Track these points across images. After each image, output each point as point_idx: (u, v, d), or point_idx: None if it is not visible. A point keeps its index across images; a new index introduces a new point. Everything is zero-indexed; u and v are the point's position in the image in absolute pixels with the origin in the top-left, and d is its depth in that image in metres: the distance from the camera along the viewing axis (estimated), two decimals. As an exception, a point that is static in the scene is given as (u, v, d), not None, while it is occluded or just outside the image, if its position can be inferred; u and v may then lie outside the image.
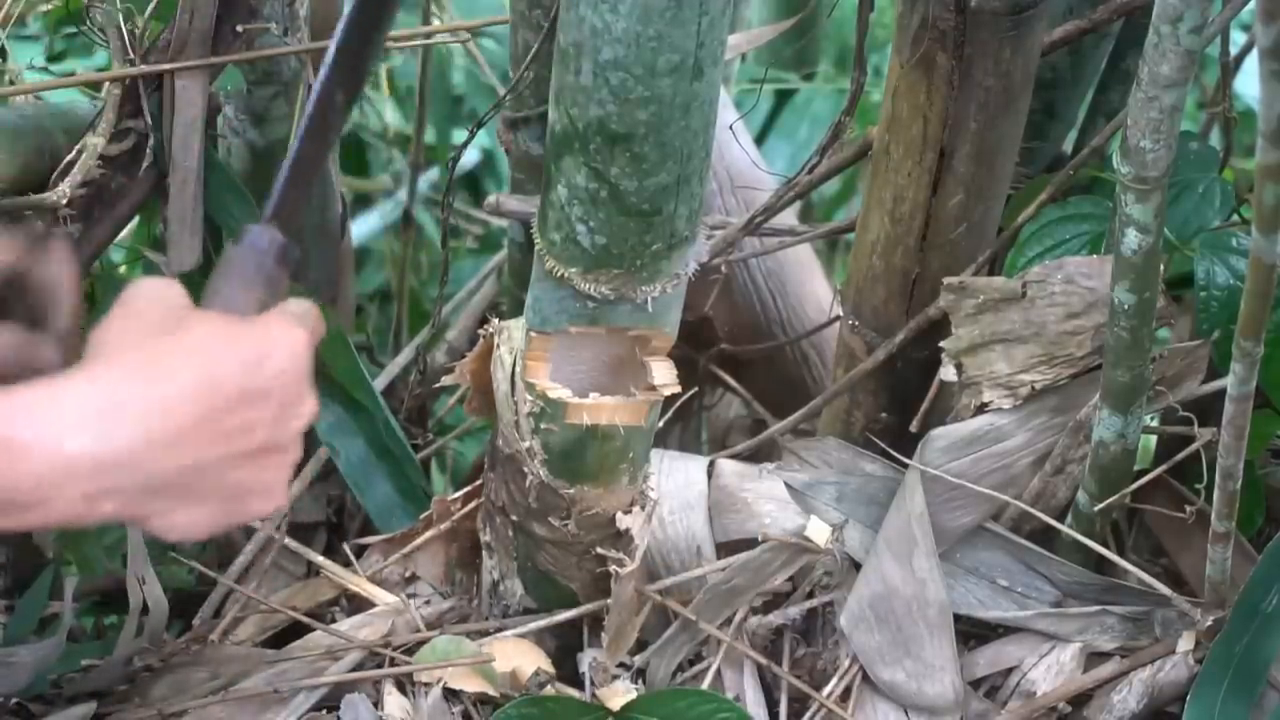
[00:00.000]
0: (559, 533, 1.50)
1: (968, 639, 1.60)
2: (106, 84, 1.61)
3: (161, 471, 0.87)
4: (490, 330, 1.46)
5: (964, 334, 1.54)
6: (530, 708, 1.47)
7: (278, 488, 0.93)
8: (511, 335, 1.43)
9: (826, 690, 1.56)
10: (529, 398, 1.40)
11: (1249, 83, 2.10)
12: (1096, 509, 1.52)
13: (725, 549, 1.61)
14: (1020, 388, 1.53)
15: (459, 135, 3.18)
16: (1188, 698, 1.45)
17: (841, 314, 1.69)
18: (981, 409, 1.55)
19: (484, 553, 1.64)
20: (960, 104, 1.46)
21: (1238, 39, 2.11)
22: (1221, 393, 1.32)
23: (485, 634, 1.62)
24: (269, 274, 1.01)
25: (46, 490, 0.83)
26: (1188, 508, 1.53)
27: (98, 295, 1.74)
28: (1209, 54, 1.68)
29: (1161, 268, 1.37)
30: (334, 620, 1.67)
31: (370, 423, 1.80)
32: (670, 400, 1.43)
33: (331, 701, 1.54)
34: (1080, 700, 1.55)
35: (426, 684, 1.54)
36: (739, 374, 2.06)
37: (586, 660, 1.59)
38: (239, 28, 1.62)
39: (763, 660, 1.57)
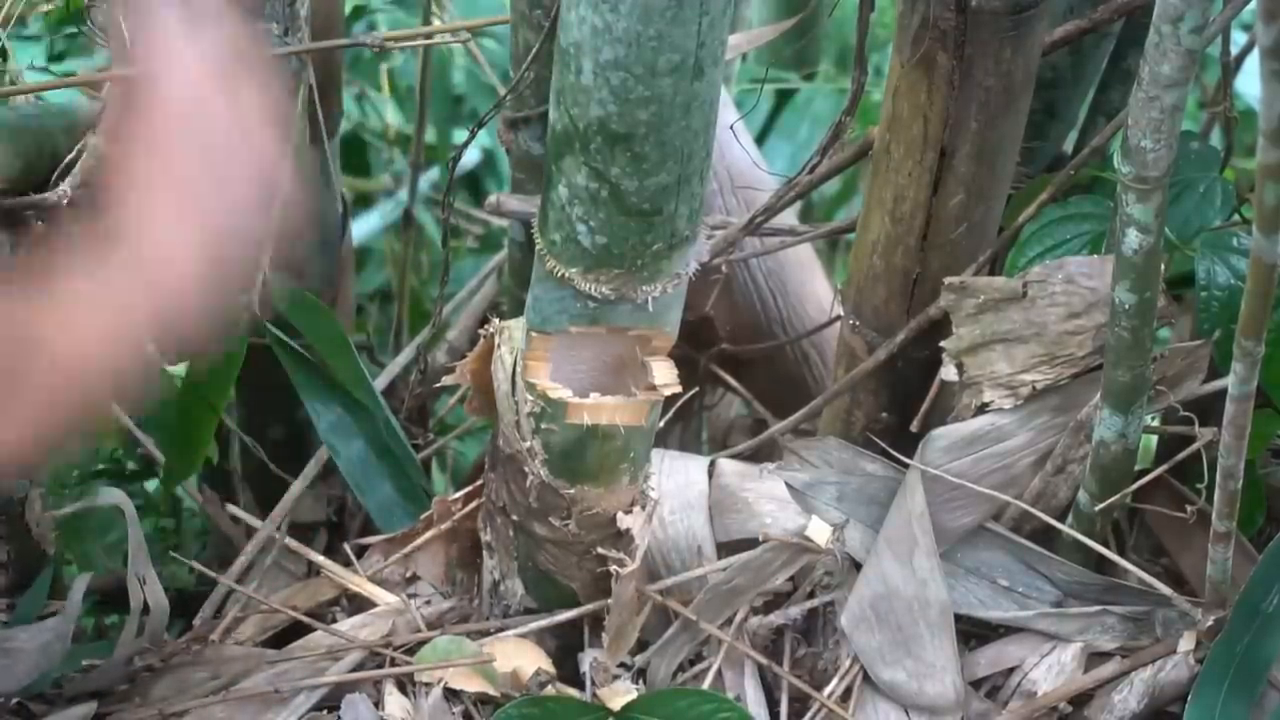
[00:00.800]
0: (559, 533, 1.50)
1: (968, 639, 1.60)
2: (106, 84, 1.61)
3: None
4: (490, 330, 1.46)
5: (965, 334, 1.54)
6: (531, 708, 1.46)
7: None
8: (512, 335, 1.43)
9: (827, 690, 1.56)
10: (529, 398, 1.40)
11: (1250, 82, 2.10)
12: (1097, 509, 1.52)
13: (726, 549, 1.61)
14: (1021, 387, 1.53)
15: (459, 135, 3.18)
16: (1188, 698, 1.45)
17: (842, 313, 1.69)
18: (982, 409, 1.55)
19: (484, 553, 1.64)
20: (961, 104, 1.46)
21: (1238, 39, 2.11)
22: (1222, 392, 1.32)
23: (486, 634, 1.62)
24: None
25: None
26: (1188, 508, 1.53)
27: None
28: (1210, 54, 1.68)
29: (1162, 267, 1.37)
30: (334, 620, 1.67)
31: (371, 423, 1.80)
32: (670, 400, 1.43)
33: (332, 702, 1.54)
34: (1081, 700, 1.55)
35: (427, 684, 1.54)
36: (739, 374, 2.06)
37: (587, 660, 1.59)
38: (239, 28, 1.62)
39: (763, 660, 1.57)
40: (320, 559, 1.73)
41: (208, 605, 1.72)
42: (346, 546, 1.74)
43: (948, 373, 1.57)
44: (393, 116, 3.16)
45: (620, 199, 1.23)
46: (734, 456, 1.72)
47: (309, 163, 1.85)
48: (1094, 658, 1.56)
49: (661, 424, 1.50)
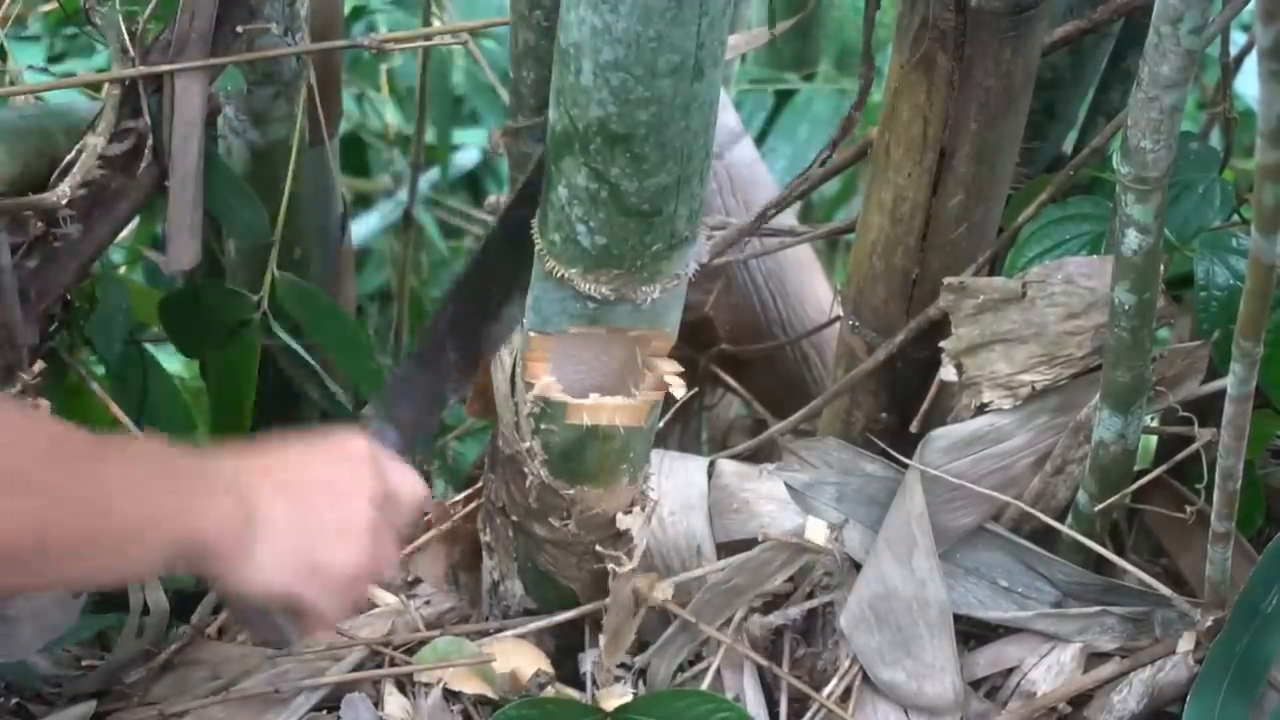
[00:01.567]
0: (559, 533, 1.50)
1: (968, 639, 1.60)
2: (106, 84, 1.61)
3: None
4: (490, 330, 1.46)
5: (964, 334, 1.54)
6: (530, 709, 1.46)
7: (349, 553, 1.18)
8: (511, 336, 1.43)
9: (826, 691, 1.56)
10: (529, 398, 1.40)
11: (1249, 83, 2.10)
12: (1096, 509, 1.52)
13: (725, 549, 1.61)
14: (1020, 388, 1.53)
15: (459, 135, 3.18)
16: (1188, 698, 1.45)
17: (842, 314, 1.69)
18: (981, 409, 1.55)
19: (484, 553, 1.64)
20: (960, 104, 1.46)
21: (1238, 39, 2.11)
22: (1221, 393, 1.32)
23: (485, 634, 1.62)
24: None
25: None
26: (1188, 508, 1.53)
27: (98, 295, 1.74)
28: (1209, 54, 1.68)
29: (1161, 268, 1.37)
30: (334, 620, 1.67)
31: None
32: (670, 401, 1.43)
33: (332, 702, 1.54)
34: (1080, 701, 1.54)
35: (426, 684, 1.54)
36: (739, 374, 2.06)
37: (587, 661, 1.59)
38: (239, 28, 1.62)
39: (763, 661, 1.57)
40: (320, 559, 1.72)
41: (206, 602, 1.71)
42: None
43: (947, 373, 1.57)
44: (392, 117, 3.16)
45: (620, 199, 1.23)
46: (734, 457, 1.72)
47: (309, 163, 1.85)
48: (1093, 658, 1.56)
49: (661, 424, 1.50)
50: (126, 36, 1.58)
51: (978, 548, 1.59)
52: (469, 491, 1.71)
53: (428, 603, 1.68)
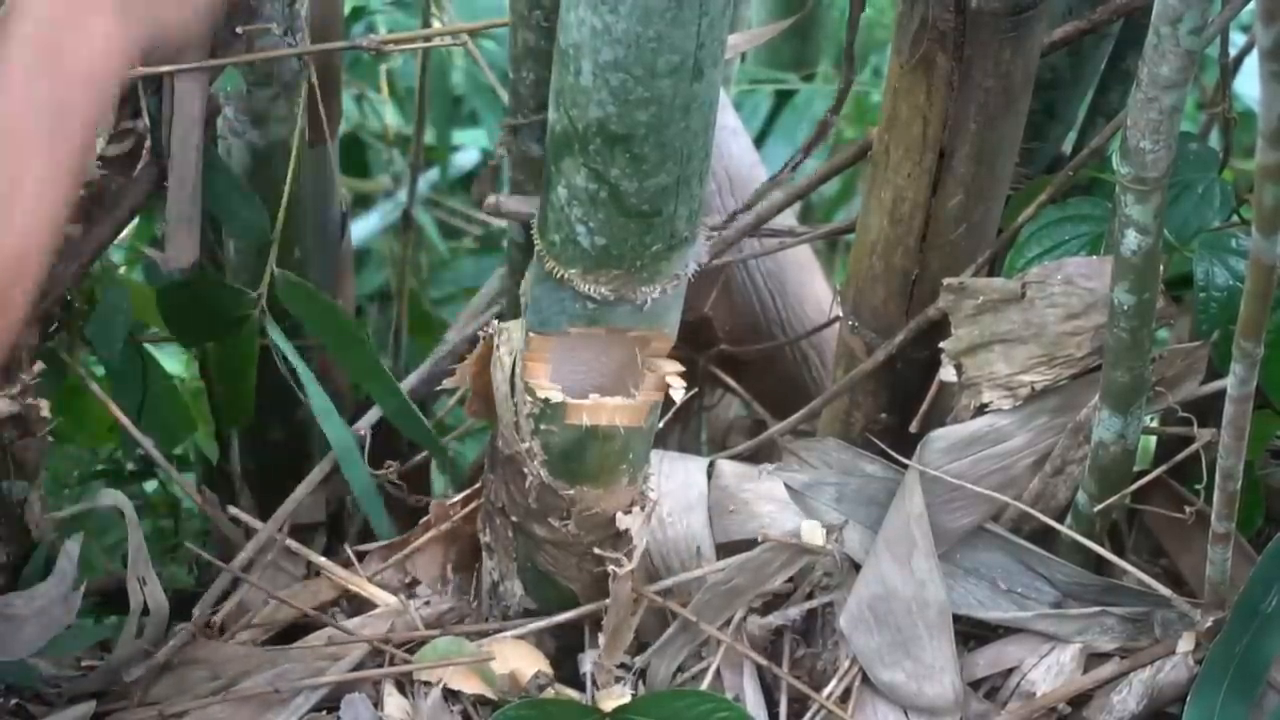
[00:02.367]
0: (559, 533, 1.50)
1: (967, 640, 1.60)
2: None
3: None
4: (489, 331, 1.46)
5: (963, 335, 1.54)
6: (529, 710, 1.46)
7: None
8: (511, 336, 1.43)
9: (826, 691, 1.56)
10: (528, 399, 1.40)
11: (1249, 83, 2.10)
12: (1096, 510, 1.52)
13: (725, 550, 1.61)
14: (1020, 388, 1.53)
15: (459, 136, 3.18)
16: (1188, 698, 1.45)
17: (841, 314, 1.69)
18: (981, 410, 1.55)
19: (484, 554, 1.64)
20: (960, 105, 1.46)
21: (1237, 40, 2.11)
22: (1221, 393, 1.32)
23: (485, 635, 1.62)
24: None
25: None
26: (1187, 508, 1.53)
27: (97, 295, 1.74)
28: (1209, 55, 1.68)
29: (1161, 268, 1.37)
30: (335, 621, 1.67)
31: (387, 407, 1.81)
32: (670, 401, 1.43)
33: (332, 702, 1.54)
34: (1080, 701, 1.55)
35: (426, 684, 1.54)
36: (738, 374, 2.06)
37: (587, 661, 1.59)
38: (239, 29, 1.62)
39: (762, 661, 1.57)
40: (320, 560, 1.73)
41: (207, 597, 1.71)
42: (347, 548, 1.74)
43: (947, 374, 1.57)
44: (392, 118, 3.16)
45: (619, 200, 1.23)
46: (733, 457, 1.72)
47: (309, 163, 1.85)
48: (1093, 658, 1.56)
49: (661, 425, 1.50)
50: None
51: (977, 548, 1.59)
52: (468, 491, 1.71)
53: (427, 603, 1.68)
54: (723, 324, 2.02)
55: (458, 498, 1.72)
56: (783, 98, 2.75)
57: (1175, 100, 1.22)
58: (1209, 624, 1.48)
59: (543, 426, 1.41)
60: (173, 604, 1.62)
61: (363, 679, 1.56)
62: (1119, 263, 1.34)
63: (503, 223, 1.94)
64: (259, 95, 1.77)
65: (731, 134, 2.09)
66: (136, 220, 1.81)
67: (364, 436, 1.81)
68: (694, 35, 1.14)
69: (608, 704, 1.51)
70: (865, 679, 1.56)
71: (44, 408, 1.58)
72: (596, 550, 1.51)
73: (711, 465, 1.66)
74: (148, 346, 1.89)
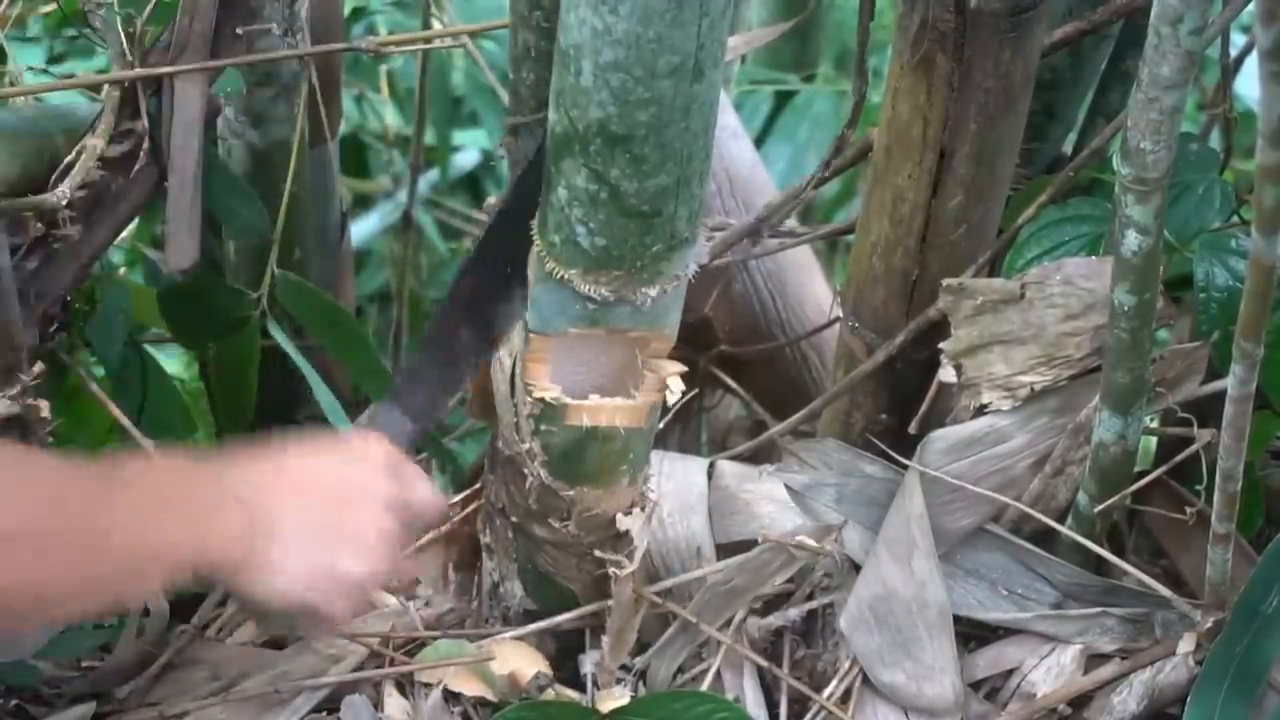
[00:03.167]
0: (559, 534, 1.50)
1: (967, 640, 1.60)
2: (106, 86, 1.61)
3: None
4: (489, 331, 1.46)
5: (963, 335, 1.54)
6: (529, 711, 1.46)
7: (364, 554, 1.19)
8: (510, 337, 1.43)
9: (826, 692, 1.56)
10: (528, 399, 1.40)
11: (1249, 84, 2.10)
12: (1096, 510, 1.52)
13: (725, 550, 1.61)
14: (1020, 389, 1.53)
15: (459, 136, 3.18)
16: (1188, 699, 1.45)
17: (841, 315, 1.69)
18: (981, 410, 1.55)
19: (484, 555, 1.64)
20: (960, 105, 1.46)
21: (1237, 40, 2.11)
22: (1221, 394, 1.32)
23: (485, 636, 1.62)
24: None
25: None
26: (1188, 509, 1.53)
27: (97, 296, 1.74)
28: (1209, 55, 1.68)
29: (1161, 269, 1.37)
30: (334, 621, 1.67)
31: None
32: (669, 401, 1.43)
33: (332, 703, 1.54)
34: (1080, 702, 1.54)
35: (427, 685, 1.54)
36: (739, 375, 2.06)
37: (588, 662, 1.59)
38: (239, 29, 1.62)
39: (763, 662, 1.57)
40: (320, 560, 1.72)
41: (208, 602, 1.71)
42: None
43: (946, 374, 1.57)
44: (392, 118, 3.16)
45: (620, 200, 1.23)
46: (733, 458, 1.72)
47: (309, 164, 1.85)
48: (1093, 659, 1.56)
49: (661, 425, 1.50)
50: (125, 38, 1.58)
51: (977, 549, 1.59)
52: (468, 492, 1.71)
53: (427, 604, 1.68)
54: (723, 324, 2.02)
55: (458, 498, 1.72)
56: (783, 99, 2.75)
57: (1176, 101, 1.22)
58: (1209, 625, 1.48)
59: (543, 427, 1.41)
60: (173, 604, 1.62)
61: (363, 680, 1.56)
62: (1119, 263, 1.34)
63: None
64: (259, 96, 1.77)
65: (731, 135, 2.09)
66: (136, 221, 1.81)
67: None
68: (694, 36, 1.14)
69: (606, 705, 1.51)
70: (865, 680, 1.56)
71: (44, 409, 1.57)
72: (597, 551, 1.51)
73: (712, 466, 1.66)
74: (148, 347, 1.88)
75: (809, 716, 1.56)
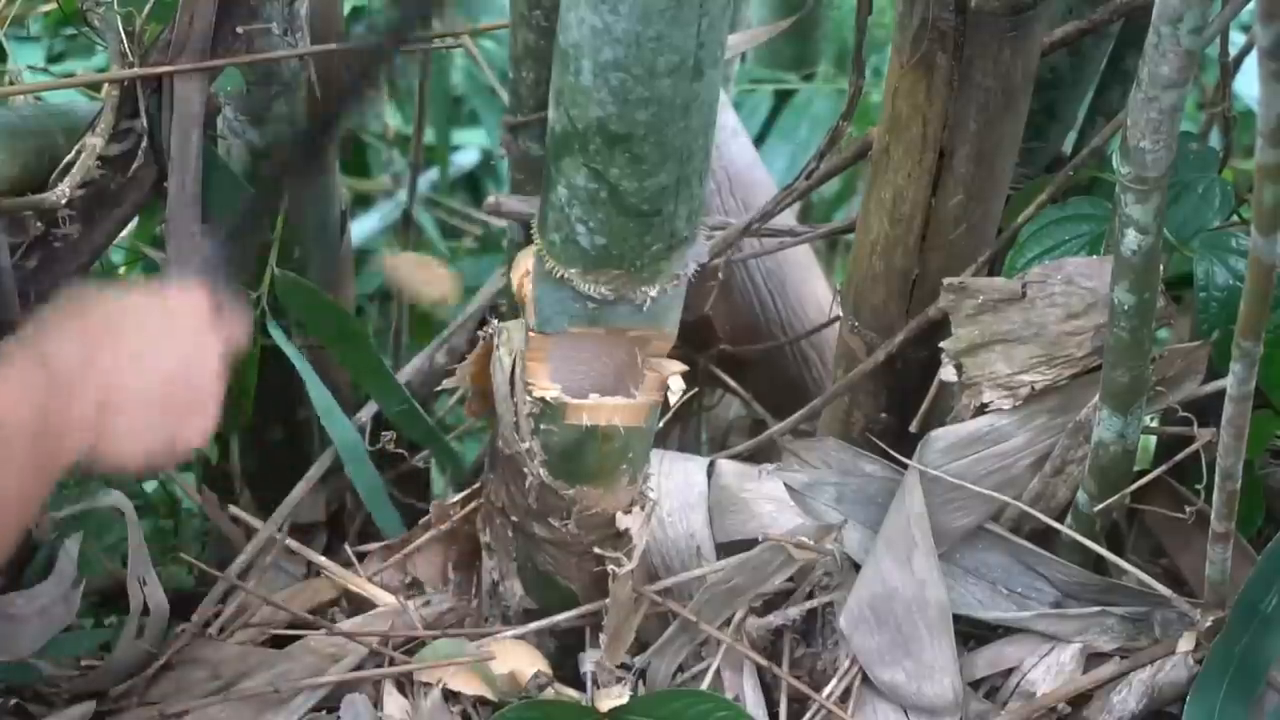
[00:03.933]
0: (559, 533, 1.50)
1: (967, 639, 1.60)
2: (106, 85, 1.61)
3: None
4: (489, 331, 1.46)
5: (964, 334, 1.54)
6: (529, 711, 1.46)
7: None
8: (511, 336, 1.43)
9: (826, 691, 1.56)
10: (529, 399, 1.40)
11: (1248, 83, 2.10)
12: (1096, 509, 1.52)
13: (725, 549, 1.61)
14: (1020, 388, 1.53)
15: (458, 136, 3.18)
16: (1187, 698, 1.45)
17: (841, 314, 1.69)
18: (981, 410, 1.55)
19: (484, 554, 1.64)
20: (960, 104, 1.46)
21: (1237, 40, 2.11)
22: (1221, 393, 1.32)
23: (485, 635, 1.62)
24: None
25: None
26: (1187, 508, 1.53)
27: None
28: (1208, 54, 1.68)
29: (1161, 268, 1.37)
30: (334, 621, 1.67)
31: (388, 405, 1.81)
32: (669, 400, 1.43)
33: (332, 702, 1.54)
34: (1080, 701, 1.54)
35: (426, 684, 1.54)
36: (738, 374, 2.06)
37: (588, 661, 1.59)
38: (239, 28, 1.62)
39: (762, 661, 1.57)
40: (320, 560, 1.73)
41: (207, 601, 1.71)
42: (347, 548, 1.74)
43: (947, 373, 1.57)
44: (392, 118, 3.16)
45: (619, 199, 1.23)
46: (733, 457, 1.72)
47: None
48: (1093, 658, 1.56)
49: (661, 425, 1.50)
50: (125, 38, 1.58)
51: (977, 548, 1.59)
52: (468, 491, 1.71)
53: (427, 603, 1.68)
54: (723, 324, 2.02)
55: (458, 498, 1.72)
56: (782, 98, 2.75)
57: (1175, 100, 1.22)
58: (1209, 624, 1.48)
59: (543, 426, 1.41)
60: (173, 604, 1.62)
61: (363, 679, 1.56)
62: (1119, 262, 1.34)
63: (503, 223, 1.94)
64: (258, 95, 1.77)
65: (731, 134, 2.09)
66: (136, 220, 1.81)
67: (365, 421, 1.82)
68: (694, 35, 1.14)
69: (605, 704, 1.51)
70: (865, 679, 1.56)
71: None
72: (596, 550, 1.51)
73: (711, 465, 1.66)
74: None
75: (809, 715, 1.56)
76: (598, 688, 1.57)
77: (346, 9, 2.24)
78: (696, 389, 2.02)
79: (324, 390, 1.78)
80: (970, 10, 1.41)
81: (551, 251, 1.30)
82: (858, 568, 1.58)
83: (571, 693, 1.56)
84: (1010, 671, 1.58)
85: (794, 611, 1.60)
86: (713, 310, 1.97)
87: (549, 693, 1.54)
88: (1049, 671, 1.56)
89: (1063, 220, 1.57)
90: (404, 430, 1.84)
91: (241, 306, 1.29)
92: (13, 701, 1.55)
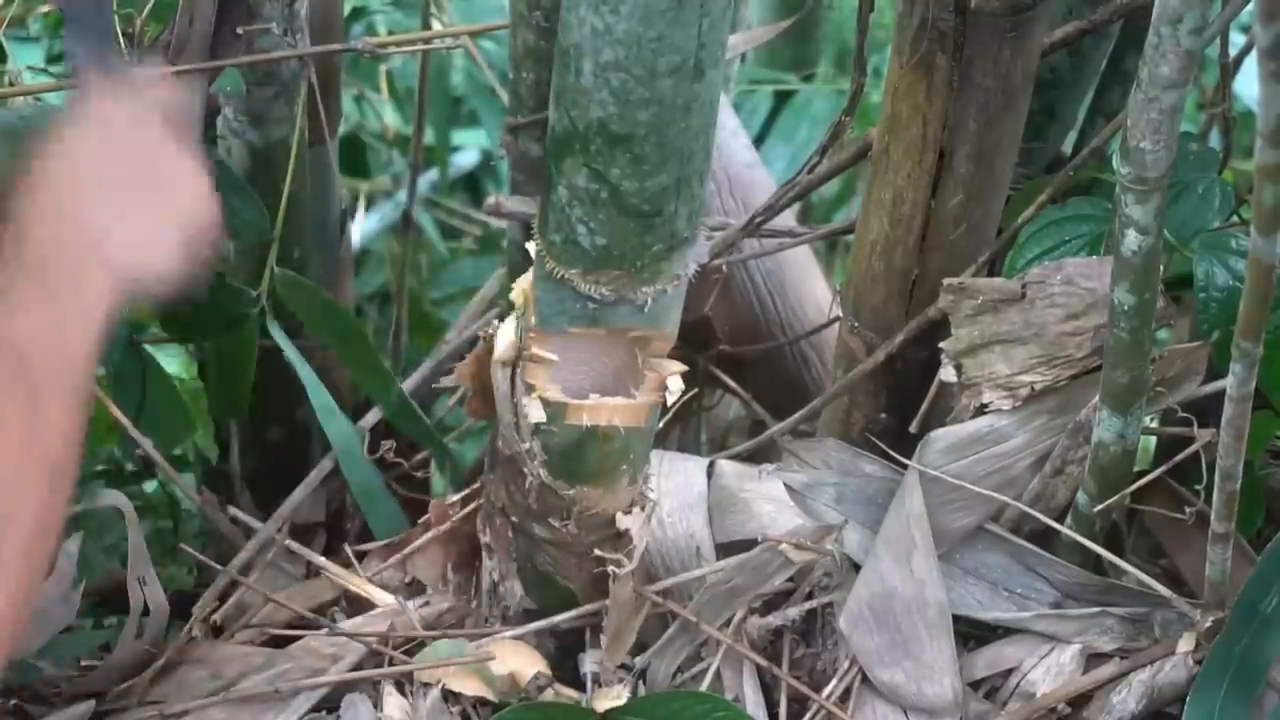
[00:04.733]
0: (559, 534, 1.50)
1: (967, 640, 1.60)
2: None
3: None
4: (490, 331, 1.46)
5: (963, 335, 1.54)
6: (528, 712, 1.46)
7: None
8: (511, 336, 1.43)
9: (826, 691, 1.56)
10: (529, 399, 1.40)
11: (1248, 84, 2.10)
12: (1096, 510, 1.52)
13: (725, 550, 1.61)
14: (1020, 389, 1.53)
15: (458, 136, 3.18)
16: (1187, 699, 1.45)
17: (841, 315, 1.69)
18: (981, 410, 1.55)
19: (484, 554, 1.64)
20: (960, 105, 1.46)
21: (1237, 40, 2.11)
22: (1221, 394, 1.32)
23: (484, 636, 1.62)
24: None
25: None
26: (1187, 509, 1.53)
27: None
28: (1208, 55, 1.68)
29: (1161, 268, 1.37)
30: (334, 621, 1.67)
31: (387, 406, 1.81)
32: (669, 401, 1.43)
33: (332, 702, 1.54)
34: (1080, 701, 1.54)
35: (426, 685, 1.54)
36: (738, 375, 2.06)
37: (587, 662, 1.59)
38: (239, 29, 1.62)
39: (762, 661, 1.57)
40: (320, 560, 1.73)
41: (207, 595, 1.71)
42: (346, 548, 1.74)
43: (947, 374, 1.57)
44: (391, 118, 3.16)
45: (620, 200, 1.23)
46: (733, 457, 1.72)
47: (309, 163, 1.85)
48: (1093, 659, 1.56)
49: (660, 425, 1.50)
50: (124, 38, 1.58)
51: (977, 548, 1.60)
52: (468, 492, 1.71)
53: (426, 603, 1.68)
54: (723, 324, 2.02)
55: (457, 498, 1.72)
56: (782, 98, 2.75)
57: (1175, 100, 1.22)
58: (1209, 624, 1.48)
59: (543, 426, 1.41)
60: (173, 604, 1.62)
61: (362, 679, 1.56)
62: (1119, 263, 1.34)
63: (503, 223, 1.94)
64: (258, 95, 1.77)
65: (731, 134, 2.09)
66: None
67: (365, 429, 1.82)
68: (695, 36, 1.14)
69: (603, 704, 1.51)
70: (865, 679, 1.56)
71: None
72: (596, 551, 1.51)
73: (711, 465, 1.66)
74: (148, 347, 1.88)
75: (808, 716, 1.56)
76: (598, 688, 1.57)
77: (346, 9, 2.25)
78: (696, 389, 2.02)
79: (323, 390, 1.78)
80: (970, 10, 1.41)
81: (552, 252, 1.30)
82: (857, 568, 1.58)
83: (571, 693, 1.56)
84: (1010, 672, 1.58)
85: (794, 612, 1.60)
86: (713, 311, 1.98)
87: (549, 694, 1.54)
88: (1049, 672, 1.56)
89: (1063, 221, 1.57)
90: (403, 430, 1.84)
91: (156, 73, 1.24)
92: (12, 702, 1.55)
